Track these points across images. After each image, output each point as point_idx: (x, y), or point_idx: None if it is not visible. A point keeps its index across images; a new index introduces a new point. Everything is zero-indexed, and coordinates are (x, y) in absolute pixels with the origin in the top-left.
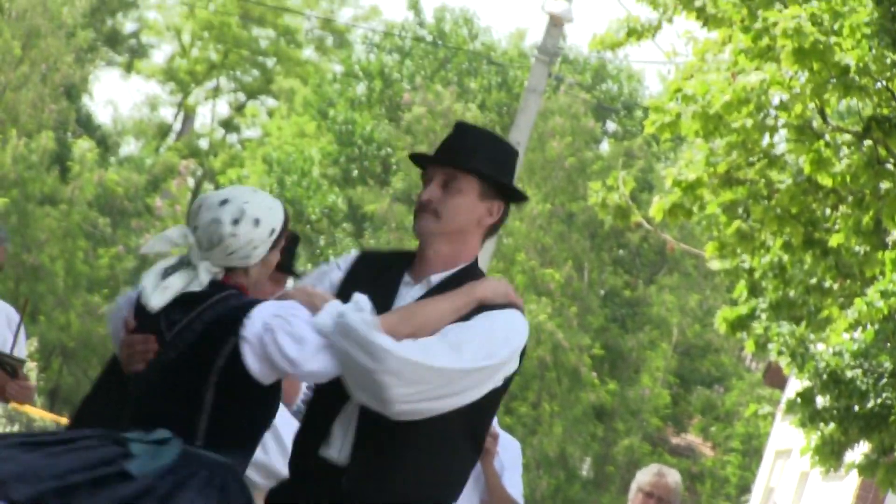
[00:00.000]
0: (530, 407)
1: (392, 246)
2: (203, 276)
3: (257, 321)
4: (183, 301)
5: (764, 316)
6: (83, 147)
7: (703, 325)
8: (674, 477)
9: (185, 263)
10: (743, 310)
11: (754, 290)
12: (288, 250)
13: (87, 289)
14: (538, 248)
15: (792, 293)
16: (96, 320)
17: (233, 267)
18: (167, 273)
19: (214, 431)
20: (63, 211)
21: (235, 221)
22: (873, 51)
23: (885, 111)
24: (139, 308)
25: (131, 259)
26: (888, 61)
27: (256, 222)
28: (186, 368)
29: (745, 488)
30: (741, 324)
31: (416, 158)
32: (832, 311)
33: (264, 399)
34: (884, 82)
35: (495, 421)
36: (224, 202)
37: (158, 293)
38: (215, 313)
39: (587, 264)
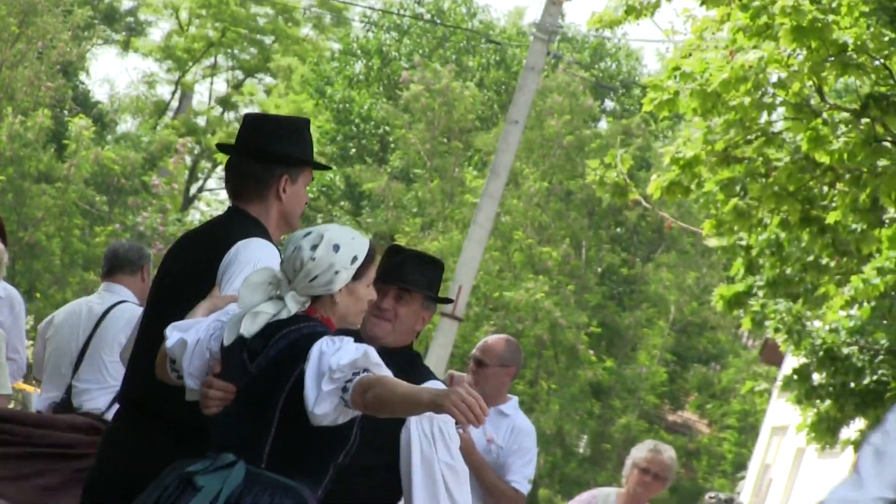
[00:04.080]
0: (528, 385)
1: (390, 224)
2: (291, 304)
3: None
4: (263, 332)
5: (761, 293)
6: (80, 125)
7: (700, 303)
8: (669, 453)
9: (273, 298)
10: (740, 287)
11: (751, 268)
12: None
13: (83, 267)
14: (536, 226)
15: (789, 270)
16: None
17: (318, 296)
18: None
19: (278, 455)
20: (59, 189)
21: (314, 247)
22: (871, 29)
23: (883, 89)
24: (221, 346)
25: (128, 237)
26: (886, 39)
27: (336, 247)
28: (258, 393)
29: (741, 465)
30: (738, 301)
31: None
32: (829, 289)
33: (332, 428)
34: (881, 60)
35: (511, 408)
36: (307, 234)
37: (249, 319)
38: (289, 341)
39: (585, 242)
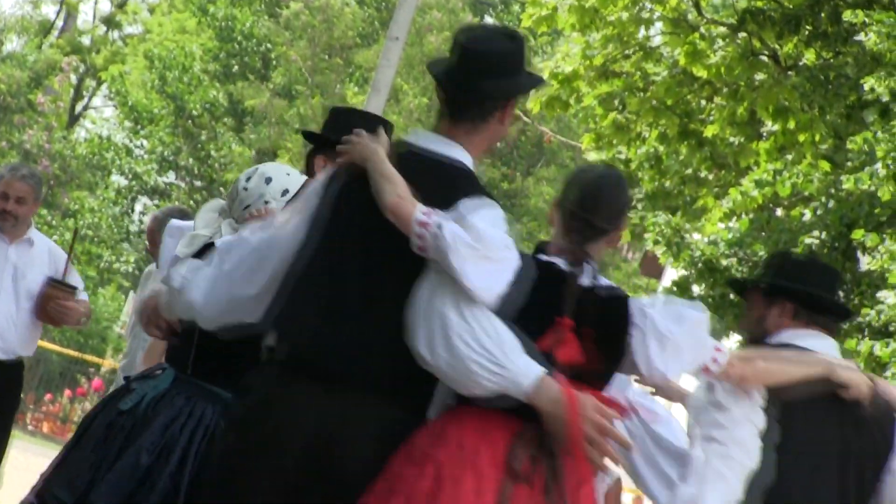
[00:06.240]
0: None
1: (272, 140)
2: (224, 229)
3: None
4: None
5: (640, 206)
6: None
7: None
8: None
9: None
10: None
11: (630, 181)
12: None
13: None
14: None
15: (667, 183)
16: None
17: None
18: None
19: (200, 363)
20: None
21: (248, 178)
22: None
23: (760, 4)
24: None
25: (14, 155)
26: None
27: (268, 180)
28: None
29: None
30: None
31: None
32: (707, 201)
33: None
34: None
35: None
36: (249, 170)
37: (186, 242)
38: None
39: None
